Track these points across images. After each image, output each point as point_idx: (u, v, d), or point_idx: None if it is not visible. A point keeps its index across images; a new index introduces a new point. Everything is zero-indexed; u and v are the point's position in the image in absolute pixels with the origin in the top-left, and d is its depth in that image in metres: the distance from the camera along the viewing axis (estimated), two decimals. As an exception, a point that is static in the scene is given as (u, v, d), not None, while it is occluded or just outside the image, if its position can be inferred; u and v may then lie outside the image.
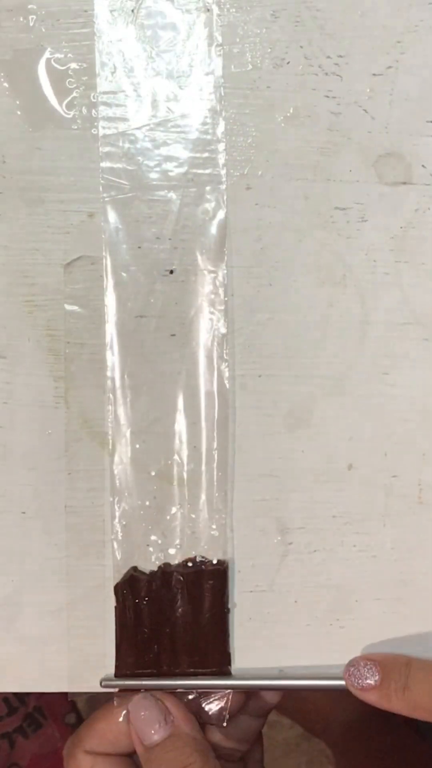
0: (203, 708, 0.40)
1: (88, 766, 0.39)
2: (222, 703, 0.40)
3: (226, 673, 0.39)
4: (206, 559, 0.39)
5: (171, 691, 0.39)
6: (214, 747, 0.39)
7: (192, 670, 0.39)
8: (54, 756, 0.88)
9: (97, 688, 0.40)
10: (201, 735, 0.38)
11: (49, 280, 0.39)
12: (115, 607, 0.39)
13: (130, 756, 0.40)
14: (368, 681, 0.36)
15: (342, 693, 0.37)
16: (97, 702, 0.41)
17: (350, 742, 0.73)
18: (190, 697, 0.39)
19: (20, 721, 0.87)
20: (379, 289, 0.39)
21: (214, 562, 0.39)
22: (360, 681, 0.36)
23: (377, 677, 0.36)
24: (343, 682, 0.37)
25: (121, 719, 0.39)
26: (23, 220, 0.39)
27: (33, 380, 0.39)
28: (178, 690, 0.39)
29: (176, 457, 0.39)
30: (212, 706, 0.40)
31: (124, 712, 0.39)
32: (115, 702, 0.39)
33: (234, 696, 0.40)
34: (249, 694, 0.41)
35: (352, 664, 0.37)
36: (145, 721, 0.37)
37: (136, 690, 0.39)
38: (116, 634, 0.39)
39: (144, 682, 0.39)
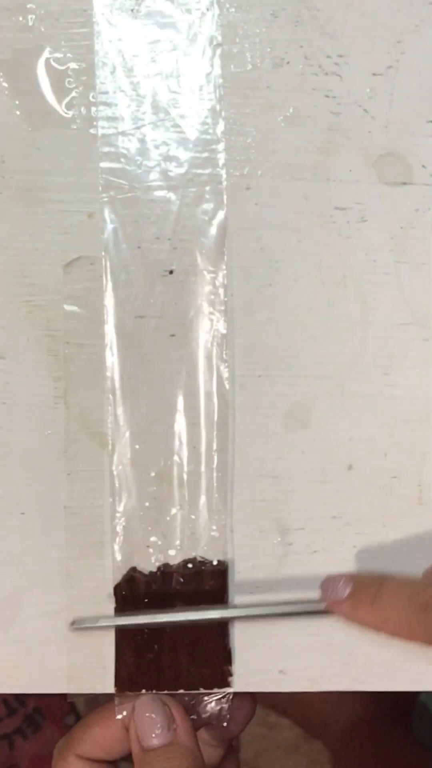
0: (204, 707, 0.40)
1: None
2: (223, 703, 0.40)
3: (226, 674, 0.39)
4: (206, 559, 0.39)
5: (179, 700, 0.39)
6: None
7: (193, 669, 0.39)
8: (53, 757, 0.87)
9: (97, 689, 0.40)
10: (198, 748, 0.38)
11: (49, 280, 0.39)
12: (115, 608, 0.39)
13: (116, 763, 0.40)
14: (341, 593, 0.37)
15: (342, 694, 0.37)
16: (96, 703, 0.41)
17: (349, 743, 0.73)
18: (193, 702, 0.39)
19: (20, 722, 0.87)
20: (379, 289, 0.39)
21: (214, 563, 0.39)
22: (334, 593, 0.37)
23: (350, 589, 0.37)
24: (322, 605, 0.38)
25: (120, 717, 0.38)
26: (23, 220, 0.39)
27: (33, 380, 0.39)
28: (175, 620, 0.38)
29: (176, 457, 0.39)
30: (213, 706, 0.40)
31: (124, 712, 0.38)
32: (116, 701, 0.39)
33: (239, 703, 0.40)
34: (243, 702, 0.41)
35: (329, 578, 0.38)
36: (149, 722, 0.37)
37: (134, 692, 0.39)
38: (116, 634, 0.39)
39: (119, 622, 0.39)
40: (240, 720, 0.41)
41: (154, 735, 0.37)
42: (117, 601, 0.39)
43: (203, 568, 0.39)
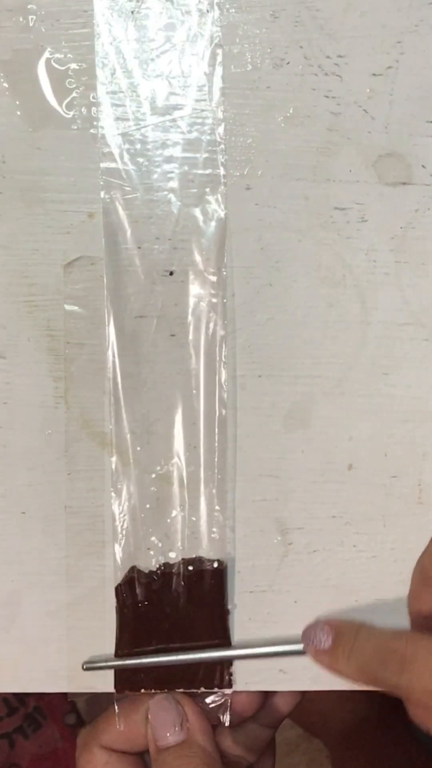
0: (207, 708, 0.40)
1: (102, 762, 0.39)
2: (223, 704, 0.40)
3: (226, 673, 0.40)
4: (206, 559, 0.39)
5: (192, 697, 0.39)
6: (221, 753, 0.39)
7: (193, 668, 0.39)
8: (54, 756, 0.88)
9: (97, 689, 0.40)
10: (213, 747, 0.38)
11: (49, 280, 0.39)
12: (116, 608, 0.39)
13: (142, 755, 0.40)
14: (322, 644, 0.37)
15: (342, 693, 0.37)
16: (96, 702, 0.41)
17: (349, 742, 0.73)
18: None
19: (20, 721, 0.87)
20: (379, 289, 0.39)
21: (215, 564, 0.39)
22: (315, 643, 0.37)
23: (330, 640, 0.37)
24: (301, 646, 0.38)
25: (140, 718, 0.39)
26: (23, 220, 0.39)
27: (33, 380, 0.39)
28: (177, 660, 0.39)
29: (176, 459, 0.39)
30: (215, 706, 0.40)
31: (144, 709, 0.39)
32: (115, 707, 0.39)
33: (242, 699, 0.40)
34: (258, 699, 0.41)
35: (311, 626, 0.38)
36: (163, 722, 0.38)
37: (134, 689, 0.39)
38: (116, 634, 0.39)
39: (128, 662, 0.39)
40: (289, 699, 0.42)
41: (168, 734, 0.37)
42: (118, 602, 0.39)
43: (203, 567, 0.39)
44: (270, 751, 0.43)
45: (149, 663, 0.39)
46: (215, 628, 0.39)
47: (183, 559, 0.39)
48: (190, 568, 0.39)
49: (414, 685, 0.34)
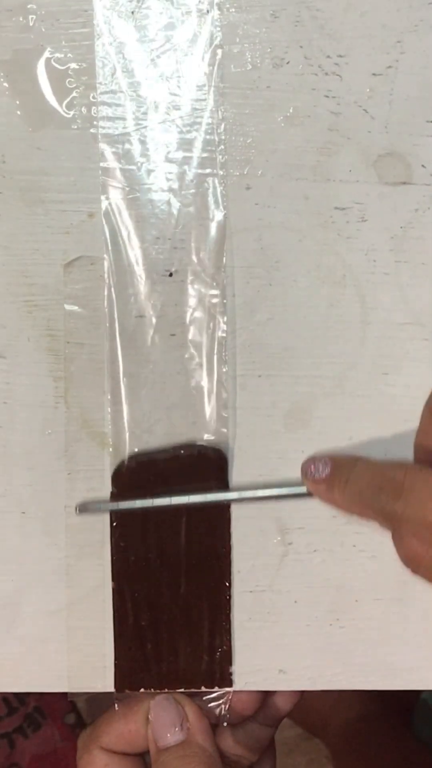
0: (207, 708, 0.40)
1: (102, 763, 0.39)
2: (223, 704, 0.40)
3: (226, 672, 0.40)
4: (206, 446, 0.39)
5: (191, 697, 0.39)
6: (222, 753, 0.39)
7: (193, 668, 0.39)
8: (54, 756, 0.88)
9: (97, 689, 0.40)
10: (213, 747, 0.38)
11: (49, 280, 0.39)
12: (111, 493, 0.39)
13: (142, 756, 0.40)
14: (321, 474, 0.37)
15: (342, 693, 0.37)
16: (96, 702, 0.41)
17: (349, 742, 0.73)
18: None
19: (20, 721, 0.87)
20: (379, 289, 0.39)
21: (214, 450, 0.39)
22: (314, 473, 0.37)
23: (328, 470, 0.37)
24: (304, 488, 0.38)
25: (140, 719, 0.39)
26: (23, 220, 0.39)
27: (33, 380, 0.39)
28: (174, 504, 0.38)
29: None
30: (214, 706, 0.40)
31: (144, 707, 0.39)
32: (116, 706, 0.39)
33: (242, 698, 0.40)
34: (258, 699, 0.41)
35: (309, 459, 0.38)
36: (163, 722, 0.38)
37: (136, 683, 0.39)
38: (114, 633, 0.39)
39: (123, 506, 0.39)
40: (289, 698, 0.42)
41: (168, 734, 0.37)
42: (116, 487, 0.39)
43: (203, 453, 0.39)
44: (270, 751, 0.43)
45: (145, 506, 0.39)
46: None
47: (185, 443, 0.39)
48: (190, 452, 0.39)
49: (409, 514, 0.34)
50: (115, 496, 0.39)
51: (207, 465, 0.39)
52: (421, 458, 0.38)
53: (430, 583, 0.35)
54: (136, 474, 0.39)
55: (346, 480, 0.36)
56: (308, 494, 0.38)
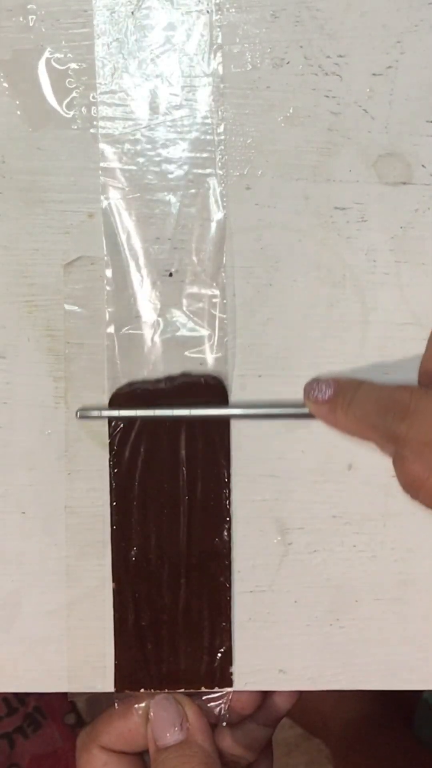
0: (206, 708, 0.40)
1: (101, 762, 0.39)
2: (222, 704, 0.40)
3: (226, 672, 0.40)
4: (205, 374, 0.39)
5: (191, 697, 0.39)
6: (220, 753, 0.40)
7: (193, 668, 0.39)
8: (53, 756, 0.88)
9: (97, 689, 0.40)
10: (212, 747, 0.38)
11: (49, 280, 0.39)
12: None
13: (141, 755, 0.40)
14: (324, 395, 0.37)
15: (342, 693, 0.37)
16: (96, 702, 0.41)
17: (349, 742, 0.73)
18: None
19: (20, 721, 0.87)
20: (379, 289, 0.39)
21: (213, 375, 0.39)
22: (317, 394, 0.37)
23: (331, 391, 0.37)
24: (306, 409, 0.38)
25: (139, 718, 0.39)
26: (23, 220, 0.39)
27: (33, 380, 0.39)
28: (176, 415, 0.38)
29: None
30: (213, 705, 0.40)
31: (143, 707, 0.39)
32: (116, 705, 0.39)
33: (242, 698, 0.40)
34: (257, 698, 0.41)
35: (313, 380, 0.38)
36: (163, 722, 0.38)
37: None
38: (114, 633, 0.40)
39: (123, 412, 0.39)
40: (288, 698, 0.42)
41: (168, 734, 0.38)
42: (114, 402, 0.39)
43: (202, 381, 0.39)
44: (267, 751, 0.43)
45: (145, 415, 0.39)
46: (215, 625, 0.39)
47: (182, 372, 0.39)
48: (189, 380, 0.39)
49: (412, 435, 0.33)
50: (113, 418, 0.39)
51: (207, 390, 0.39)
52: (426, 382, 0.38)
53: (429, 508, 0.35)
54: (134, 396, 0.39)
55: (350, 401, 0.36)
56: (310, 416, 0.38)
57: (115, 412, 0.39)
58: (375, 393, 0.35)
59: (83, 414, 0.39)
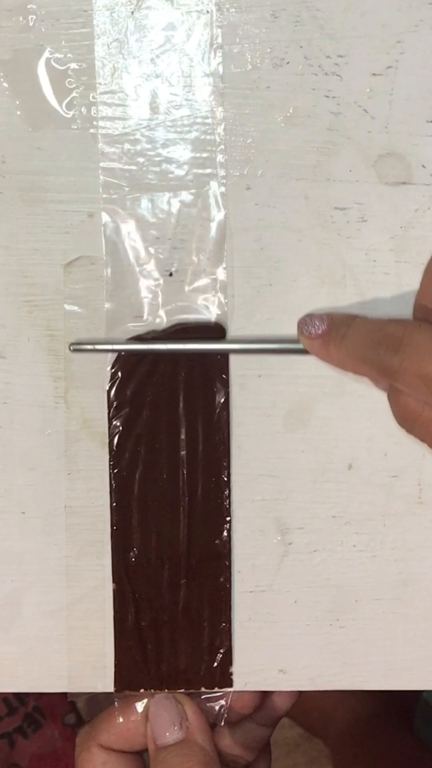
0: (206, 708, 0.40)
1: (101, 761, 0.39)
2: (222, 703, 0.40)
3: (226, 673, 0.40)
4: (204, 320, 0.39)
5: (191, 696, 0.39)
6: (219, 752, 0.40)
7: (193, 668, 0.39)
8: (53, 756, 0.88)
9: (97, 689, 0.40)
10: (212, 747, 0.38)
11: (49, 280, 0.39)
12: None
13: (141, 754, 0.40)
14: (317, 330, 0.37)
15: (342, 693, 0.37)
16: (96, 702, 0.41)
17: (349, 742, 0.73)
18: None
19: (20, 721, 0.87)
20: (379, 289, 0.39)
21: (213, 319, 0.39)
22: (310, 329, 0.37)
23: (324, 326, 0.37)
24: (300, 345, 0.38)
25: (138, 717, 0.39)
26: (23, 220, 0.39)
27: (33, 380, 0.39)
28: (174, 350, 0.38)
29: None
30: (213, 705, 0.40)
31: (143, 705, 0.39)
32: (116, 704, 0.39)
33: (242, 697, 0.40)
34: (257, 698, 0.41)
35: (306, 315, 0.38)
36: (162, 721, 0.38)
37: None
38: (115, 634, 0.39)
39: (118, 346, 0.38)
40: (287, 698, 0.42)
41: (167, 733, 0.38)
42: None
43: (201, 324, 0.39)
44: (266, 751, 0.43)
45: (143, 349, 0.38)
46: (215, 624, 0.39)
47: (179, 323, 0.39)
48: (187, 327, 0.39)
49: (407, 367, 0.33)
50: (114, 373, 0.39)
51: (206, 331, 0.39)
52: (420, 316, 0.38)
53: (423, 442, 0.35)
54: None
55: (343, 335, 0.35)
56: (304, 351, 0.38)
57: (108, 346, 0.38)
58: (368, 327, 0.35)
59: (76, 348, 0.38)
